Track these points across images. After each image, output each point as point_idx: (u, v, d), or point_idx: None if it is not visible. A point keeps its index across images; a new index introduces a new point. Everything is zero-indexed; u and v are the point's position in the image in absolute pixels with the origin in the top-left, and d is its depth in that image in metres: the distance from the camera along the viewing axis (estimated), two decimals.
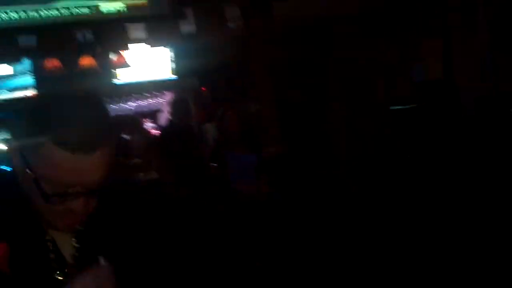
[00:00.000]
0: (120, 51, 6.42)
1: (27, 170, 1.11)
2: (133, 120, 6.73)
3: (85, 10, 5.50)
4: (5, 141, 1.18)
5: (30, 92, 6.32)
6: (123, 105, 7.48)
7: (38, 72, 6.60)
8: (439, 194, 5.36)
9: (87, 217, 1.20)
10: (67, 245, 1.24)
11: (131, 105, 7.51)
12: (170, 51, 7.44)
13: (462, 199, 5.14)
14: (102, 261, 1.18)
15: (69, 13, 5.42)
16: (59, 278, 1.20)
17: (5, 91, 6.75)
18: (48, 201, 1.11)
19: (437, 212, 5.05)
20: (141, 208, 1.43)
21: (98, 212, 1.22)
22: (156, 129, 7.22)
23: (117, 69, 7.08)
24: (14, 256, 1.15)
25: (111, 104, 7.35)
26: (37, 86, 6.59)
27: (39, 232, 1.20)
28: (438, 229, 4.73)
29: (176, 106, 5.16)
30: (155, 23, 5.80)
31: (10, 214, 1.17)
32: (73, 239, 1.25)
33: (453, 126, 6.26)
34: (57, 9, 5.36)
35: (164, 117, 6.96)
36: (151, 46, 6.14)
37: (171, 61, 7.48)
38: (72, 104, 1.10)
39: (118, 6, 5.63)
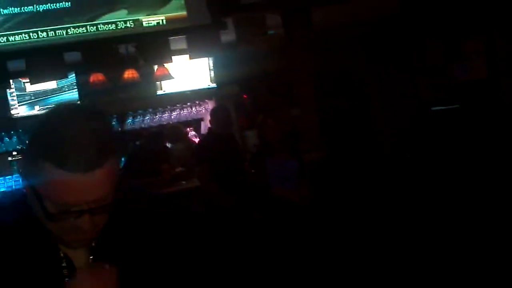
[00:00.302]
0: (163, 63, 6.53)
1: (31, 190, 1.13)
2: (176, 130, 6.82)
3: (127, 25, 5.62)
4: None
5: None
6: (166, 115, 7.62)
7: (83, 87, 6.80)
8: (484, 195, 5.23)
9: (99, 233, 1.21)
10: (81, 261, 1.25)
11: (173, 115, 7.63)
12: (211, 60, 7.52)
13: (505, 199, 5.02)
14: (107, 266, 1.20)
15: (112, 28, 5.55)
16: None
17: (52, 106, 6.98)
18: (52, 220, 1.13)
19: (482, 211, 4.94)
20: (155, 223, 1.40)
21: (110, 228, 1.23)
22: (198, 137, 7.30)
23: (160, 81, 7.22)
24: (27, 272, 1.18)
25: (153, 115, 7.51)
26: (83, 100, 6.78)
27: (51, 249, 1.22)
28: (492, 227, 4.63)
29: (217, 114, 5.20)
30: (196, 34, 5.85)
31: (23, 231, 1.20)
32: (88, 256, 1.26)
33: (496, 126, 6.08)
34: (100, 25, 5.50)
35: (206, 125, 7.05)
36: (193, 57, 6.20)
37: (212, 70, 7.57)
38: (71, 124, 1.10)
39: (159, 19, 5.73)
